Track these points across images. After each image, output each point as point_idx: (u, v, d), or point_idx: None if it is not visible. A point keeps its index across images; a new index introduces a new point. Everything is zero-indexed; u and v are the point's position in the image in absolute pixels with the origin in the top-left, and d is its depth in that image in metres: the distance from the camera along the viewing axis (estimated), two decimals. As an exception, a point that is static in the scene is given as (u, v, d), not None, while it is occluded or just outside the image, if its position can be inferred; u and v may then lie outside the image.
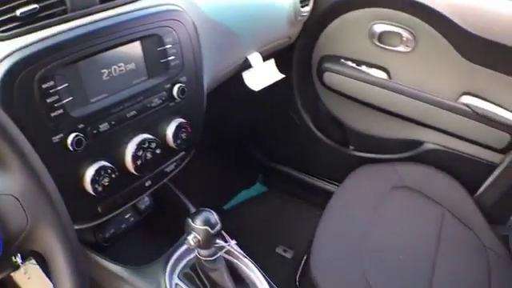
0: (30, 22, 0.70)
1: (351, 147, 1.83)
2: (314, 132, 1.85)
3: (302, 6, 1.49)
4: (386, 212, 1.43)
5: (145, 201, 1.11)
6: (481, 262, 1.38)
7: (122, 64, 0.79)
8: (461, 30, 1.44)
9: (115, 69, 0.78)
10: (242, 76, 1.36)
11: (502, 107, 1.52)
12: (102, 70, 0.76)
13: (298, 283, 1.51)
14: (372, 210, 1.43)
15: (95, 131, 0.76)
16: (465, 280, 1.32)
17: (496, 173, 1.57)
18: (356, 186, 1.57)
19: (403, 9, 1.51)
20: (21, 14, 0.69)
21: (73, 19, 0.75)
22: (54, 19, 0.72)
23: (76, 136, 0.72)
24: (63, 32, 0.72)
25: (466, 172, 1.61)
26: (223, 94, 1.31)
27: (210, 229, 0.86)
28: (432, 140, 1.66)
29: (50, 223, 0.53)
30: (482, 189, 1.62)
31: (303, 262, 1.52)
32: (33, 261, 0.82)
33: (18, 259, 0.56)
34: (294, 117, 1.84)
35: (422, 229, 1.42)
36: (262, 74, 1.34)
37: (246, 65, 1.32)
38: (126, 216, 1.09)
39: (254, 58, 1.31)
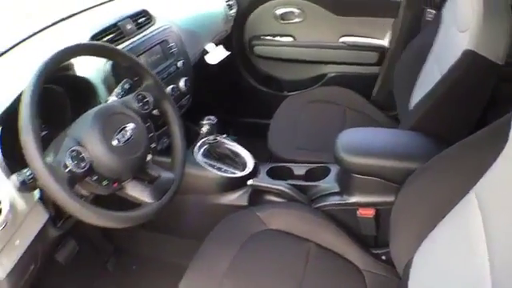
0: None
1: (285, 92, 2.58)
2: (255, 86, 2.58)
3: (230, 9, 2.25)
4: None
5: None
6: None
7: (156, 55, 1.61)
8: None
9: (154, 57, 1.59)
10: (204, 59, 2.08)
11: (366, 37, 2.32)
12: (149, 59, 1.57)
13: None
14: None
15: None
16: None
17: (380, 77, 2.30)
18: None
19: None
20: None
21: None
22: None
23: None
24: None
25: (358, 85, 2.26)
26: (199, 72, 1.99)
27: (211, 121, 1.66)
28: (331, 70, 2.42)
29: (166, 97, 1.28)
30: None
31: None
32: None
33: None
34: (240, 80, 2.58)
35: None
36: (216, 54, 2.07)
37: (206, 52, 2.06)
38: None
39: (209, 46, 2.06)
